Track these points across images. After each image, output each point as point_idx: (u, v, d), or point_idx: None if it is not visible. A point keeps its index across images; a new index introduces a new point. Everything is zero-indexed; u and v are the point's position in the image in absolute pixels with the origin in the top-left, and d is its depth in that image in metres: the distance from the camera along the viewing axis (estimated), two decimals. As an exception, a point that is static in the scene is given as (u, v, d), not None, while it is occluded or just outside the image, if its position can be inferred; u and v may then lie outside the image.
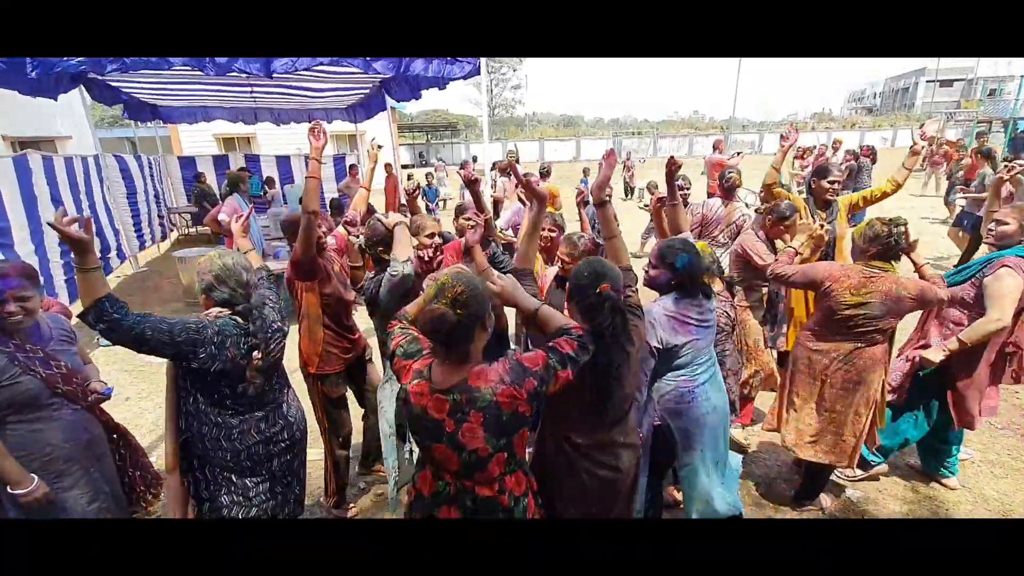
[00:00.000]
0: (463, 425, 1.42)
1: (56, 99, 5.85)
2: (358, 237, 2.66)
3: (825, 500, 2.87)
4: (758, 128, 42.14)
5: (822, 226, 2.83)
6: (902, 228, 2.45)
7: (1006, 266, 2.52)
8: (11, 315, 1.77)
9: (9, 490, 1.76)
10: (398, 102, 7.66)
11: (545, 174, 7.63)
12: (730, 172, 4.40)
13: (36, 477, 1.81)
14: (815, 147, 13.67)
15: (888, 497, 2.95)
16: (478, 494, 1.49)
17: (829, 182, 3.37)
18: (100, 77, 5.89)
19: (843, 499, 2.93)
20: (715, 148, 9.47)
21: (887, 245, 2.45)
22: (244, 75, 4.90)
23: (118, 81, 6.66)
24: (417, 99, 6.42)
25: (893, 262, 2.50)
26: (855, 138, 29.05)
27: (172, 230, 11.38)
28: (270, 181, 9.77)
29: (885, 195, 3.40)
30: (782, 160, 3.54)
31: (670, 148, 35.20)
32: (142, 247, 9.20)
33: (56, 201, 5.83)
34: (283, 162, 11.62)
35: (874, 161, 10.77)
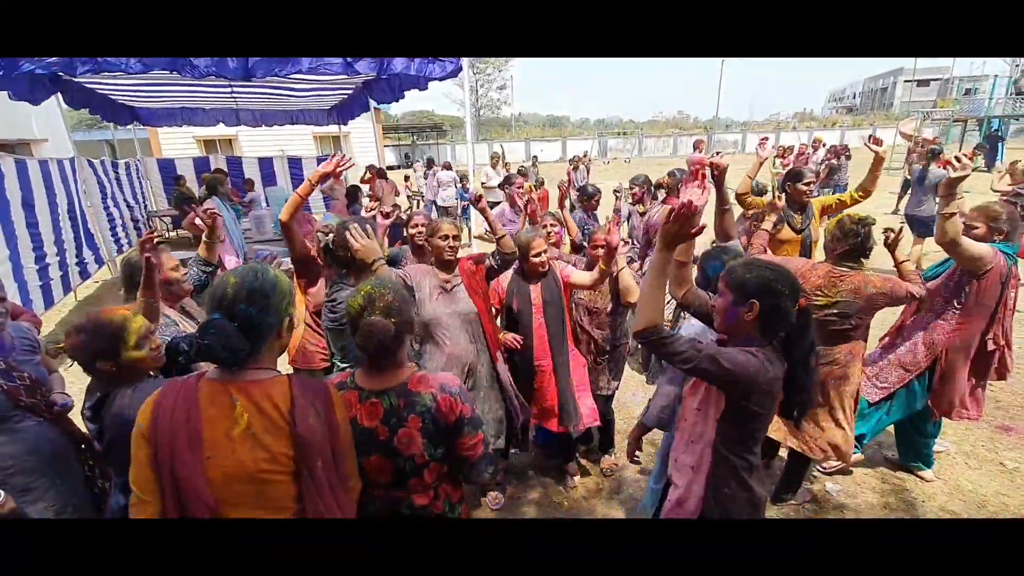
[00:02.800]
0: (399, 431, 1.37)
1: (37, 103, 5.70)
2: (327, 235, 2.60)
3: (805, 494, 2.91)
4: (741, 128, 42.61)
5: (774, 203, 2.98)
6: (869, 228, 2.49)
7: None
8: None
9: None
10: (380, 103, 7.62)
11: (524, 175, 7.71)
12: (667, 174, 4.52)
13: (3, 492, 1.76)
14: (795, 146, 13.89)
15: (866, 489, 3.00)
16: (415, 503, 1.44)
17: (805, 184, 3.43)
18: (73, 79, 5.77)
19: (821, 492, 2.97)
20: (696, 148, 9.76)
21: (855, 245, 2.48)
22: (224, 78, 4.84)
23: (93, 83, 6.54)
24: (399, 100, 6.38)
25: (862, 259, 2.53)
26: (835, 137, 29.55)
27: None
28: (250, 183, 9.66)
29: (856, 202, 3.46)
30: (756, 171, 3.53)
31: (655, 148, 35.49)
32: (120, 251, 9.04)
33: (28, 205, 5.69)
34: (265, 164, 11.49)
35: (849, 158, 11.13)
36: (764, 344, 1.51)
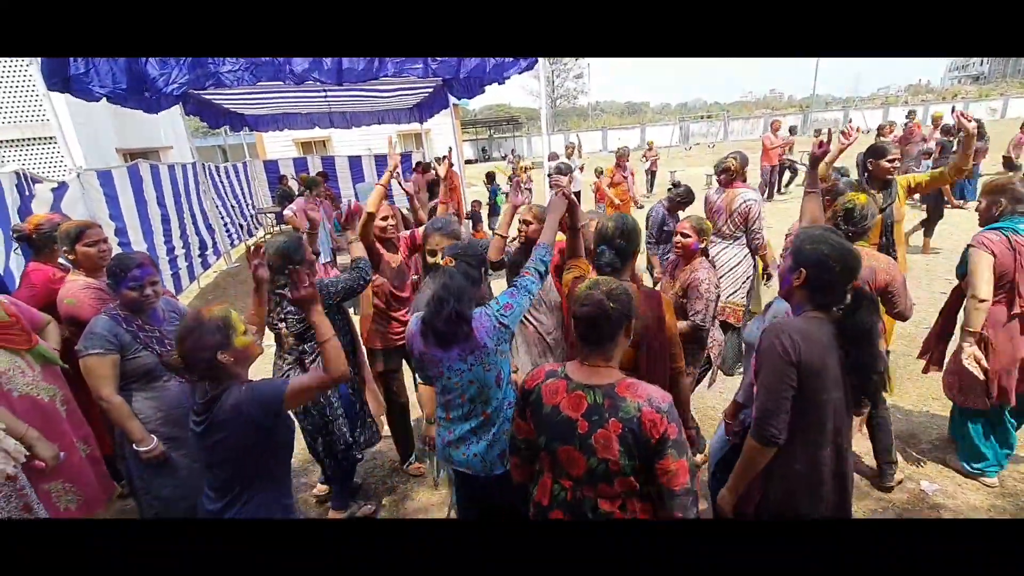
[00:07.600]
0: (599, 430, 1.34)
1: (156, 113, 6.55)
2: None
3: (898, 474, 2.80)
4: (843, 105, 39.02)
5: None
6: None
7: (971, 246, 2.55)
8: (148, 297, 2.15)
9: (134, 447, 2.10)
10: (460, 99, 7.89)
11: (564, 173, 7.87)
12: (731, 157, 4.07)
13: (155, 437, 2.14)
14: (897, 123, 12.40)
15: (967, 489, 2.78)
16: (600, 507, 1.39)
17: (888, 161, 3.18)
18: (197, 92, 6.54)
19: (915, 491, 2.79)
20: (772, 129, 10.16)
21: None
22: (319, 83, 5.29)
23: (211, 95, 7.37)
24: (477, 96, 6.58)
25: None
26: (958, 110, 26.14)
27: (259, 228, 12.39)
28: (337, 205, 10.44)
29: (944, 180, 3.18)
30: (837, 157, 3.30)
31: (743, 131, 33.43)
32: (233, 244, 10.10)
33: (162, 205, 6.56)
34: (355, 162, 12.30)
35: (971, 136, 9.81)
36: (810, 310, 1.57)
